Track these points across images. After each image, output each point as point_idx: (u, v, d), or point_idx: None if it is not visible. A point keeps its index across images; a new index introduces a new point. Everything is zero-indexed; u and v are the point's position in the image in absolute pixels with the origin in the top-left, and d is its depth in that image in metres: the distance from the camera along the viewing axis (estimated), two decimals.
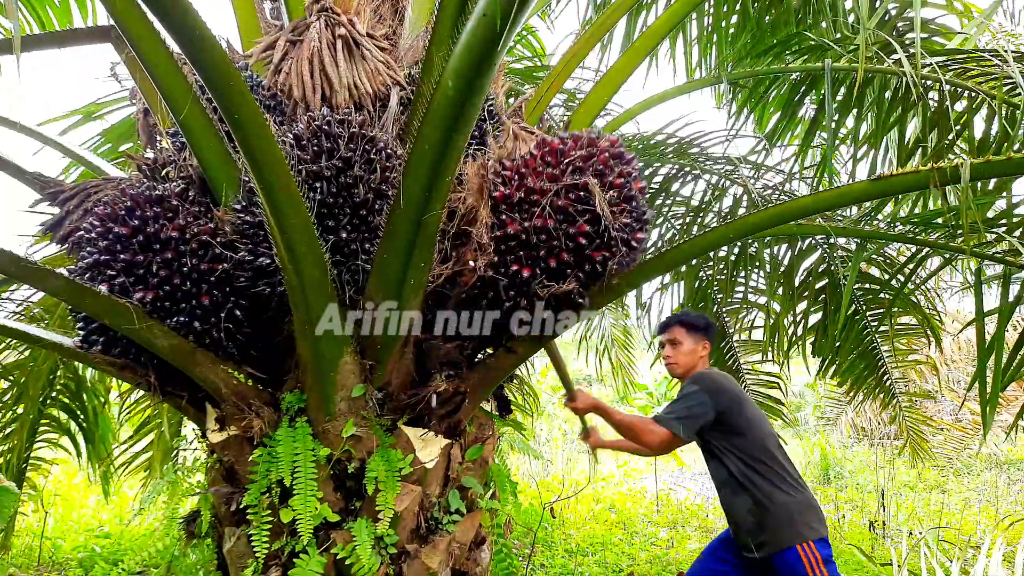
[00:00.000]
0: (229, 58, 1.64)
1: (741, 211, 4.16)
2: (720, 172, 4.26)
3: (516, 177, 2.19)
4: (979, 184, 3.17)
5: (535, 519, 5.75)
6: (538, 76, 4.68)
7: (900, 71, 3.03)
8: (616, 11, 3.33)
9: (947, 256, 3.13)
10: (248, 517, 2.19)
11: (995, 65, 2.84)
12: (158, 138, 2.59)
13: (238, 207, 2.16)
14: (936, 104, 3.16)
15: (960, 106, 3.14)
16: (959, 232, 2.47)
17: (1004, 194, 2.98)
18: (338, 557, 2.16)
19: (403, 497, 2.26)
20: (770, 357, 4.69)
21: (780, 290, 4.34)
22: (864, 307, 4.26)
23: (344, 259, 2.16)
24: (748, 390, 5.05)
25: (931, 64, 2.90)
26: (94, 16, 3.64)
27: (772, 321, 4.51)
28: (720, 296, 4.80)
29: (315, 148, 2.07)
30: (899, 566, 3.10)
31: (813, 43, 3.49)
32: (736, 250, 4.37)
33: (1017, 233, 2.71)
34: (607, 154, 2.19)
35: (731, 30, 4.15)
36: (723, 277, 4.56)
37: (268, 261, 2.12)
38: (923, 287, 3.96)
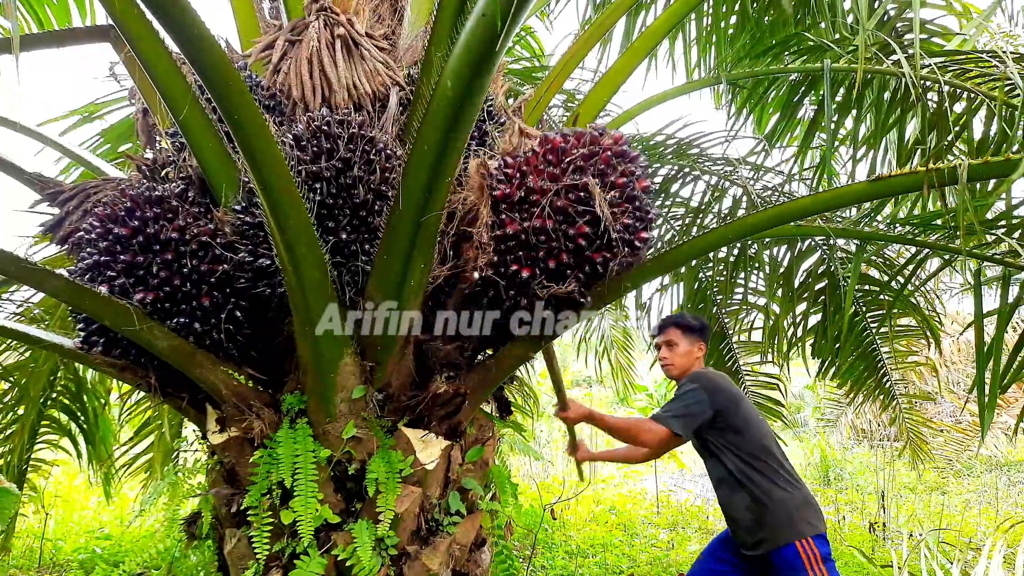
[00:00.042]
0: (228, 58, 1.64)
1: (740, 212, 4.16)
2: (719, 173, 4.26)
3: (517, 175, 2.16)
4: (978, 185, 3.17)
5: (535, 520, 5.75)
6: (537, 76, 4.68)
7: (899, 72, 3.03)
8: (615, 11, 3.33)
9: (947, 257, 3.12)
10: (249, 518, 2.19)
11: (994, 66, 2.84)
12: (157, 138, 2.59)
13: (238, 208, 2.16)
14: (935, 105, 3.16)
15: (959, 107, 3.14)
16: (959, 233, 2.47)
17: (1004, 196, 2.98)
18: (339, 558, 2.15)
19: (403, 499, 2.25)
20: (770, 358, 4.69)
21: (780, 291, 4.34)
22: (864, 308, 4.25)
23: (344, 260, 2.15)
24: (748, 391, 5.05)
25: (930, 65, 2.89)
26: (93, 15, 3.64)
27: (772, 322, 4.51)
28: (720, 297, 4.80)
29: (315, 149, 2.07)
30: (899, 568, 3.10)
31: (812, 44, 3.50)
32: (736, 251, 4.37)
33: (1016, 234, 2.71)
34: (610, 152, 2.14)
35: (730, 31, 4.15)
36: (723, 278, 4.57)
37: (268, 262, 2.12)
38: (923, 289, 3.96)
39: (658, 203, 4.55)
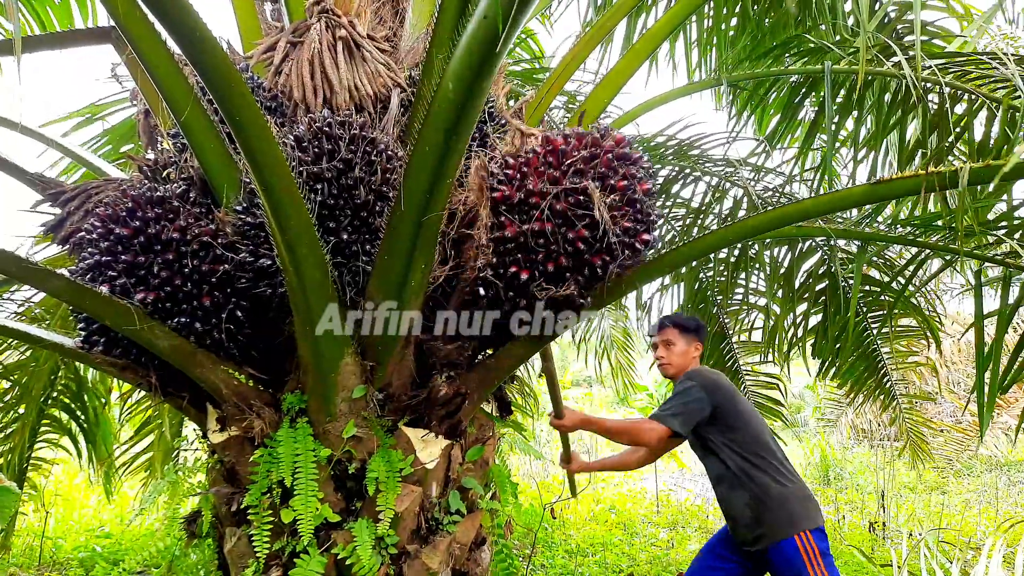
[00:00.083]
0: (230, 59, 1.65)
1: (741, 213, 4.17)
2: (720, 174, 4.27)
3: (518, 176, 2.15)
4: (979, 187, 3.17)
5: (535, 520, 5.75)
6: (538, 78, 4.69)
7: (900, 74, 3.03)
8: (616, 13, 3.33)
9: (947, 258, 3.13)
10: (249, 517, 2.20)
11: (994, 68, 2.84)
12: (159, 139, 2.60)
13: (239, 208, 2.17)
14: (936, 107, 3.16)
15: (960, 108, 3.15)
16: (959, 235, 2.48)
17: (1004, 197, 2.99)
18: (339, 557, 2.16)
19: (403, 498, 2.26)
20: (770, 358, 4.69)
21: (780, 292, 4.34)
22: (864, 309, 4.26)
23: (345, 260, 2.16)
24: (748, 391, 5.06)
25: (931, 67, 2.90)
26: (94, 17, 3.65)
27: (772, 323, 4.52)
28: (720, 298, 4.81)
29: (316, 150, 2.08)
30: (899, 567, 3.11)
31: (813, 46, 3.50)
32: (736, 252, 4.37)
33: (1017, 236, 2.71)
34: (611, 155, 2.13)
35: (731, 32, 4.15)
36: (723, 279, 4.57)
37: (269, 262, 2.13)
38: (923, 289, 3.96)
39: (659, 203, 4.56)
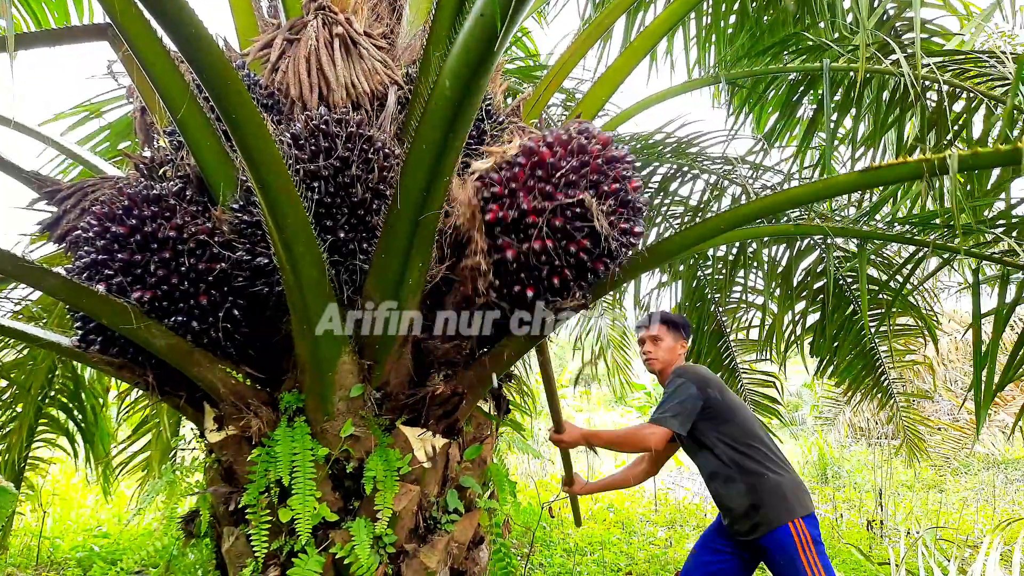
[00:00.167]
0: (226, 57, 1.64)
1: None
2: (718, 172, 4.27)
3: (506, 193, 2.10)
4: (978, 184, 3.17)
5: (533, 518, 5.76)
6: (536, 75, 4.68)
7: (898, 72, 3.03)
8: (615, 10, 3.33)
9: (945, 256, 3.13)
10: (247, 517, 2.19)
11: (992, 66, 2.84)
12: (155, 137, 2.59)
13: (236, 206, 2.16)
14: (934, 104, 3.16)
15: (958, 106, 3.15)
16: (957, 232, 2.49)
17: (1003, 195, 2.99)
18: (337, 556, 2.15)
19: (401, 497, 2.26)
20: (767, 357, 4.70)
21: (778, 290, 4.34)
22: (862, 307, 4.25)
23: (342, 259, 2.15)
24: (745, 389, 5.06)
25: (929, 65, 2.90)
26: (91, 14, 3.64)
27: (770, 321, 4.52)
28: (718, 296, 4.81)
29: (313, 147, 2.07)
30: (897, 565, 3.11)
31: (811, 43, 3.49)
32: (735, 250, 4.37)
33: (1015, 233, 2.71)
34: (600, 159, 2.10)
35: (729, 30, 4.15)
36: (721, 277, 4.57)
37: (266, 261, 2.12)
38: (921, 288, 3.97)
39: (657, 201, 4.55)
